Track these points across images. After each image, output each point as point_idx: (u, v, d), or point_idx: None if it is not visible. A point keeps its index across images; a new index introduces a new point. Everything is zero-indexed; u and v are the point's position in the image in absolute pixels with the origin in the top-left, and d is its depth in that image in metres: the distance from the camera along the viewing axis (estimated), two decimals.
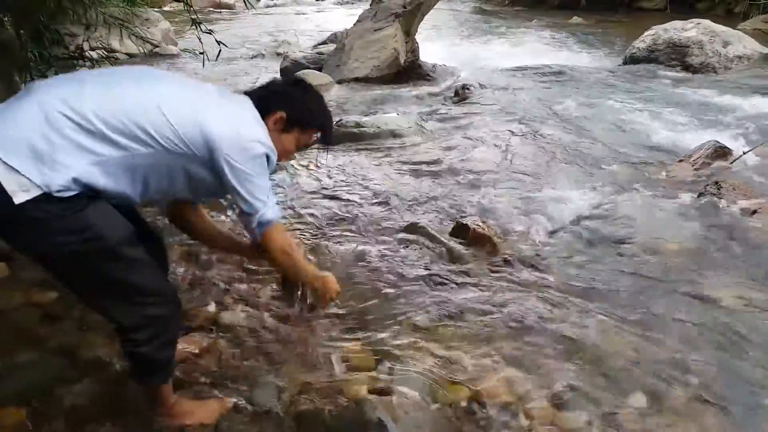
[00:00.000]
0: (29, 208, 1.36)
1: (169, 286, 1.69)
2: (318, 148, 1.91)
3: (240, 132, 1.58)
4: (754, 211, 3.06)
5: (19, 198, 1.34)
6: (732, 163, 3.85)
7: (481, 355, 2.10)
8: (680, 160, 3.94)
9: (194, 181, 1.61)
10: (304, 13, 13.66)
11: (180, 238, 2.85)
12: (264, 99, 1.73)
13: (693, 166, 3.81)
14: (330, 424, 1.77)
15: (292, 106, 1.74)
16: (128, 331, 1.58)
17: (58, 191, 1.37)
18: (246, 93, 1.77)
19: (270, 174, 1.68)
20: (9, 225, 1.42)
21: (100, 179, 1.44)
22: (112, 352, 2.04)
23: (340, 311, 2.33)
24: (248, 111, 1.68)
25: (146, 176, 1.52)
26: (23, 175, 1.35)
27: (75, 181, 1.40)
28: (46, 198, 1.37)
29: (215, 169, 1.57)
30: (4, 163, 1.34)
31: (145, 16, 8.51)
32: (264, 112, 1.70)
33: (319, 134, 1.84)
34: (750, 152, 3.94)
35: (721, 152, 3.90)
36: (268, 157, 1.63)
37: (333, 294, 1.95)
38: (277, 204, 1.69)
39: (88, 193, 1.44)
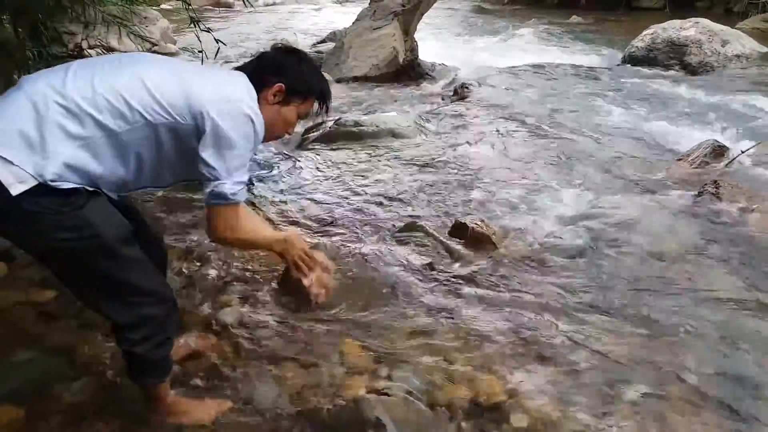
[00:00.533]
0: (26, 202, 1.36)
1: (165, 286, 1.68)
2: (318, 124, 1.84)
3: (228, 94, 1.55)
4: (752, 210, 3.06)
5: (15, 189, 1.35)
6: (730, 162, 3.85)
7: (479, 355, 2.11)
8: (678, 159, 3.94)
9: (184, 155, 1.55)
10: (303, 12, 13.64)
11: (179, 237, 2.86)
12: (258, 72, 1.68)
13: (691, 165, 3.82)
14: (328, 424, 1.77)
15: (290, 76, 1.69)
16: (123, 330, 1.58)
17: (53, 180, 1.37)
18: (239, 67, 1.72)
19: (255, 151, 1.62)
20: (7, 219, 1.42)
21: (91, 163, 1.43)
22: (110, 351, 2.04)
23: (339, 310, 2.33)
24: (240, 83, 1.63)
25: (135, 154, 1.50)
26: (18, 165, 1.35)
27: (67, 167, 1.39)
28: (42, 190, 1.37)
29: (197, 132, 1.51)
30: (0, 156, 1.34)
31: (144, 15, 8.48)
32: (260, 85, 1.65)
33: (318, 102, 1.79)
34: (748, 151, 3.94)
35: (720, 151, 3.91)
36: (255, 130, 1.56)
37: (299, 252, 1.81)
38: (242, 185, 1.57)
39: (87, 188, 1.44)
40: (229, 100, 1.54)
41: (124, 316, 1.56)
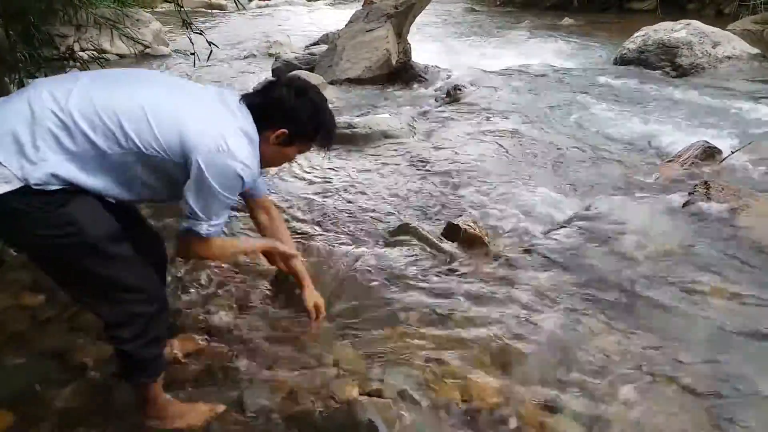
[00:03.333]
0: (11, 199, 1.38)
1: (155, 285, 1.68)
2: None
3: (221, 146, 1.52)
4: (743, 211, 3.08)
5: (0, 189, 1.36)
6: (721, 163, 3.87)
7: (471, 356, 2.11)
8: (669, 160, 3.96)
9: (171, 182, 1.58)
10: (295, 14, 13.63)
11: (171, 240, 2.85)
12: (266, 111, 1.65)
13: (682, 166, 3.84)
14: (321, 426, 1.78)
15: (298, 122, 1.67)
16: (112, 328, 1.59)
17: (36, 184, 1.39)
18: (244, 97, 1.68)
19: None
20: None
21: (78, 175, 1.45)
22: (102, 355, 2.03)
23: (332, 312, 2.33)
24: (241, 124, 1.60)
25: (123, 175, 1.52)
26: (5, 166, 1.37)
27: (54, 176, 1.41)
28: (27, 190, 1.39)
29: (188, 173, 1.53)
30: None
31: (137, 17, 8.47)
32: (264, 124, 1.64)
33: (321, 141, 1.79)
34: (738, 152, 3.97)
35: (710, 152, 3.92)
36: (243, 184, 1.59)
37: (282, 255, 1.93)
38: (219, 225, 1.62)
39: (72, 189, 1.45)
40: (221, 152, 1.51)
41: (114, 314, 1.57)
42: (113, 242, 1.54)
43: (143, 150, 1.48)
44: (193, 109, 1.57)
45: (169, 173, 1.55)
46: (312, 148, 1.83)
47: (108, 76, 1.66)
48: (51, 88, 1.48)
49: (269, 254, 2.14)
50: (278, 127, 1.66)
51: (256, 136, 1.62)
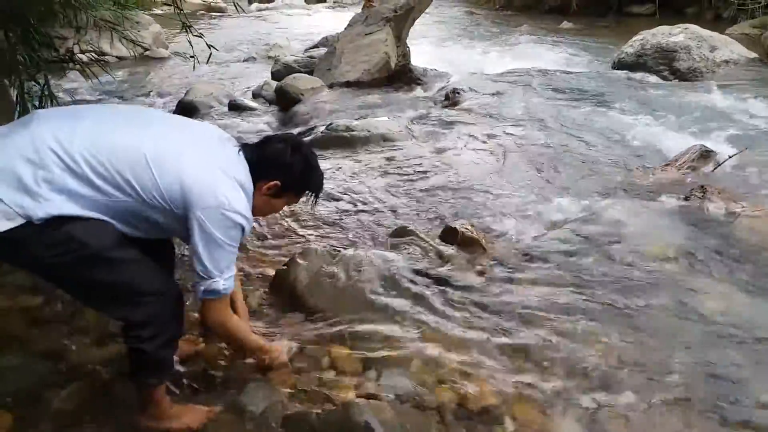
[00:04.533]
0: (13, 232, 1.42)
1: (169, 284, 1.72)
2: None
3: (221, 200, 1.57)
4: (739, 215, 3.10)
5: (1, 226, 1.40)
6: (717, 167, 3.89)
7: (468, 359, 2.12)
8: (666, 164, 3.98)
9: (170, 229, 1.66)
10: (295, 17, 13.67)
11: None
12: (261, 164, 1.72)
13: (679, 169, 3.85)
14: (317, 428, 1.78)
15: (290, 176, 1.76)
16: (134, 328, 1.61)
17: (39, 221, 1.43)
18: (243, 147, 1.75)
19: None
20: None
21: (81, 213, 1.49)
22: (99, 357, 2.05)
23: (329, 314, 2.34)
24: (238, 175, 1.65)
25: (123, 219, 1.57)
26: (7, 205, 1.41)
27: (56, 217, 1.45)
28: (27, 224, 1.43)
29: (188, 225, 1.58)
30: None
31: (136, 19, 8.47)
32: (259, 175, 1.71)
33: (309, 196, 1.88)
34: (735, 156, 3.99)
35: (707, 156, 3.94)
36: (243, 229, 1.64)
37: (280, 365, 1.98)
38: (231, 278, 1.67)
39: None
40: (222, 205, 1.57)
41: (136, 314, 1.60)
42: (118, 248, 1.56)
43: (146, 199, 1.54)
44: (194, 160, 1.61)
45: (169, 221, 1.61)
46: (299, 202, 1.92)
47: (111, 117, 1.70)
48: (54, 126, 1.51)
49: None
50: (271, 179, 1.74)
51: (250, 187, 1.70)
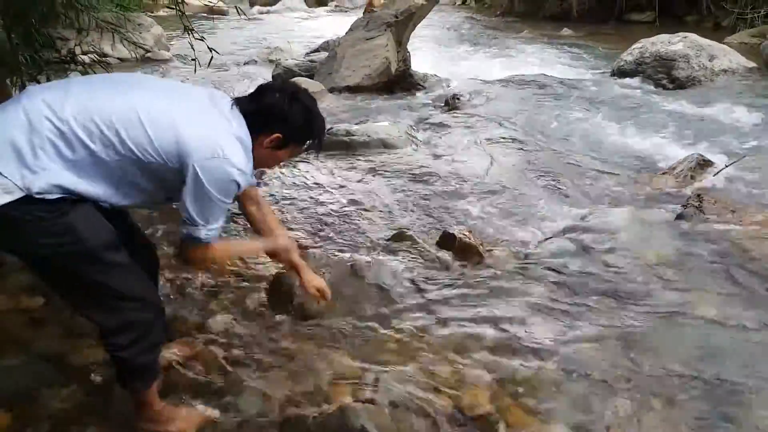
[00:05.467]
0: (11, 208, 1.40)
1: (151, 292, 1.71)
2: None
3: (217, 152, 1.53)
4: (735, 224, 3.12)
5: (0, 200, 1.38)
6: (714, 176, 3.91)
7: (464, 365, 2.14)
8: (664, 173, 4.00)
9: (167, 187, 1.61)
10: (296, 21, 13.71)
11: (168, 245, 2.88)
12: (259, 116, 1.67)
13: (676, 178, 3.88)
14: (314, 431, 1.79)
15: (291, 126, 1.69)
16: (109, 335, 1.61)
17: (39, 193, 1.41)
18: (237, 101, 1.69)
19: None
20: None
21: (77, 183, 1.47)
22: (98, 358, 2.06)
23: (326, 319, 2.35)
24: (234, 129, 1.62)
25: (123, 180, 1.54)
26: (5, 176, 1.39)
27: (55, 186, 1.43)
28: (28, 200, 1.40)
29: (182, 177, 1.55)
30: None
31: (138, 21, 8.51)
32: (258, 129, 1.66)
33: (312, 143, 1.82)
34: (732, 166, 4.01)
35: (704, 165, 3.97)
36: (239, 188, 1.61)
37: (283, 252, 1.95)
38: (216, 229, 1.63)
39: (72, 197, 1.47)
40: (217, 158, 1.53)
41: (110, 321, 1.59)
42: (111, 250, 1.56)
43: (140, 156, 1.50)
44: (187, 115, 1.58)
45: (166, 178, 1.57)
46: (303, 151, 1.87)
47: (101, 82, 1.69)
48: (45, 96, 1.49)
49: (270, 254, 2.08)
50: (272, 132, 1.68)
51: (249, 141, 1.64)
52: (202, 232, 1.60)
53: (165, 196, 1.69)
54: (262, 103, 1.69)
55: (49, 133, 1.44)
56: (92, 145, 1.46)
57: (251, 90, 1.76)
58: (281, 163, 1.90)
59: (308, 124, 1.73)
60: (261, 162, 1.74)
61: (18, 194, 1.40)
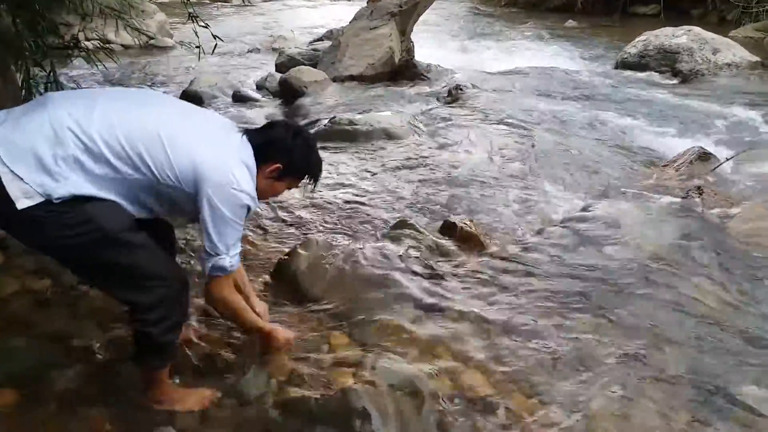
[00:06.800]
0: (32, 209, 1.46)
1: (175, 268, 1.79)
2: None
3: (230, 179, 1.64)
4: (734, 217, 3.14)
5: (21, 204, 1.45)
6: (714, 169, 3.93)
7: (464, 350, 2.17)
8: (664, 165, 4.03)
9: (179, 209, 1.73)
10: (299, 8, 13.67)
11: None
12: (264, 148, 1.78)
13: (677, 171, 3.90)
14: (316, 413, 1.82)
15: (291, 159, 1.81)
16: (141, 311, 1.65)
17: (58, 199, 1.48)
18: (247, 132, 1.81)
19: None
20: (14, 226, 1.54)
21: (97, 194, 1.54)
22: (104, 339, 2.09)
23: (329, 304, 2.38)
24: (244, 157, 1.72)
25: (137, 197, 1.63)
26: (27, 183, 1.45)
27: (76, 195, 1.50)
28: (46, 203, 1.47)
29: (197, 203, 1.64)
30: (11, 170, 1.45)
31: (141, 8, 8.47)
32: (262, 159, 1.77)
33: (308, 180, 1.93)
34: (732, 159, 4.03)
35: (705, 158, 3.99)
36: (249, 208, 1.71)
37: (282, 346, 2.04)
38: (237, 255, 1.74)
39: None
40: (230, 184, 1.64)
41: (143, 298, 1.64)
42: (131, 233, 1.62)
43: (158, 177, 1.59)
44: (204, 141, 1.69)
45: (179, 201, 1.67)
46: (299, 185, 1.97)
47: (126, 100, 1.76)
48: (71, 110, 1.56)
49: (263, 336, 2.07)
50: (273, 162, 1.79)
51: (254, 169, 1.76)
52: (227, 261, 1.71)
53: (176, 216, 1.84)
54: (268, 135, 1.83)
55: (74, 147, 1.50)
56: (114, 161, 1.54)
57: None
58: (277, 197, 2.00)
59: (306, 159, 1.87)
60: (261, 192, 1.81)
61: (38, 199, 1.47)
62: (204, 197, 1.63)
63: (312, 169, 1.91)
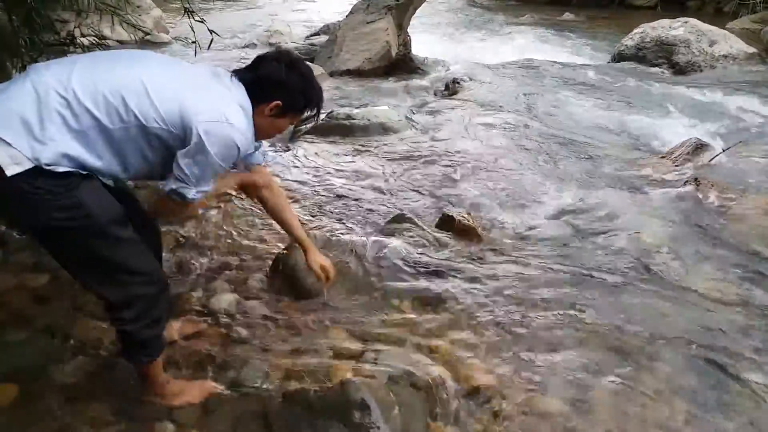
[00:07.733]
0: (21, 181, 1.42)
1: (155, 267, 1.74)
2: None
3: (221, 115, 1.58)
4: (731, 207, 3.15)
5: (10, 170, 1.40)
6: (711, 160, 3.94)
7: (462, 342, 2.18)
8: (662, 156, 4.03)
9: (168, 160, 1.63)
10: (296, 3, 13.60)
11: (173, 224, 2.90)
12: (259, 85, 1.71)
13: (674, 162, 3.90)
14: (315, 405, 1.83)
15: (290, 94, 1.74)
16: (115, 309, 1.64)
17: (48, 165, 1.43)
18: (236, 72, 1.73)
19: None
20: (2, 198, 1.47)
21: (84, 154, 1.50)
22: (102, 333, 2.10)
23: (327, 297, 2.39)
24: (237, 97, 1.67)
25: (124, 149, 1.56)
26: (15, 148, 1.41)
27: (63, 156, 1.46)
28: (37, 172, 1.43)
29: (186, 140, 1.58)
30: None
31: (137, 4, 8.44)
32: (258, 98, 1.71)
33: (311, 111, 1.85)
34: (729, 150, 4.03)
35: (702, 149, 3.99)
36: (239, 153, 1.65)
37: (259, 185, 2.02)
38: (203, 192, 1.67)
39: (80, 172, 1.50)
40: (221, 122, 1.58)
41: (116, 295, 1.62)
42: (119, 226, 1.59)
43: (144, 122, 1.53)
44: (191, 84, 1.63)
45: (168, 146, 1.60)
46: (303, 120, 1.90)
47: (107, 56, 1.73)
48: (52, 70, 1.52)
49: (246, 188, 2.09)
50: (271, 100, 1.73)
51: (250, 109, 1.69)
52: (191, 192, 1.64)
53: (162, 171, 1.70)
54: (261, 72, 1.74)
55: (56, 104, 1.46)
56: (97, 113, 1.49)
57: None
58: (281, 133, 1.93)
59: (306, 91, 1.78)
60: (262, 131, 1.77)
61: (27, 165, 1.42)
62: (194, 134, 1.55)
63: (312, 102, 1.81)
